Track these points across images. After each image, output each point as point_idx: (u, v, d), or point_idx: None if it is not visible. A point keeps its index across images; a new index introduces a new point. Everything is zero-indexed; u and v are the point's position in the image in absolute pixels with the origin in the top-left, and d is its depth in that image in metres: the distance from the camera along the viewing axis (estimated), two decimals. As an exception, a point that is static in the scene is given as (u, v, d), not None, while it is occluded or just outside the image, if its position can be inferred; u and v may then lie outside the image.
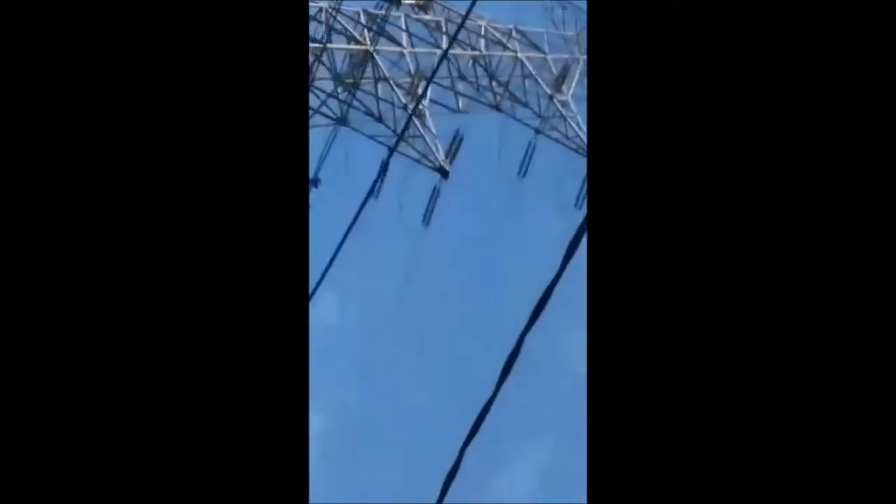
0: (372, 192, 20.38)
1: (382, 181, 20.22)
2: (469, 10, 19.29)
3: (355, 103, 19.57)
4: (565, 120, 22.03)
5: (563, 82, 22.38)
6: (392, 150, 20.17)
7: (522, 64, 22.03)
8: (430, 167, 20.25)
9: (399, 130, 19.86)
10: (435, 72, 21.38)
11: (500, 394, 4.27)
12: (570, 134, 21.98)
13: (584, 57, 23.64)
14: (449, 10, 21.36)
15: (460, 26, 20.53)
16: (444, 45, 20.97)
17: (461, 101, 21.80)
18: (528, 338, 4.23)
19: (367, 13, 19.78)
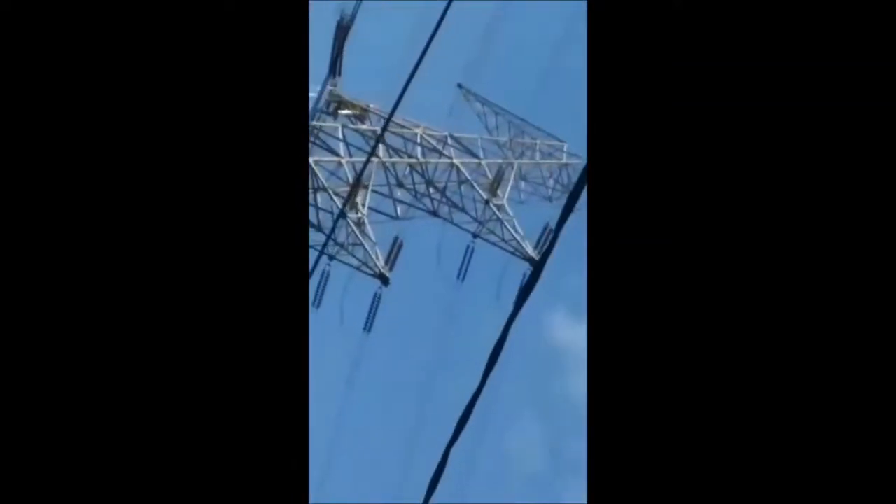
0: (314, 300, 20.36)
1: (324, 289, 20.23)
2: (393, 112, 19.49)
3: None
4: (502, 223, 22.33)
5: (497, 186, 22.75)
6: (332, 258, 20.25)
7: (458, 170, 22.38)
8: (370, 274, 20.31)
9: (338, 238, 19.95)
10: (360, 179, 21.58)
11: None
12: (507, 237, 22.27)
13: (518, 161, 24.15)
14: (385, 118, 21.71)
15: (386, 123, 20.85)
16: (381, 153, 21.26)
17: (399, 208, 22.03)
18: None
19: (304, 124, 19.99)
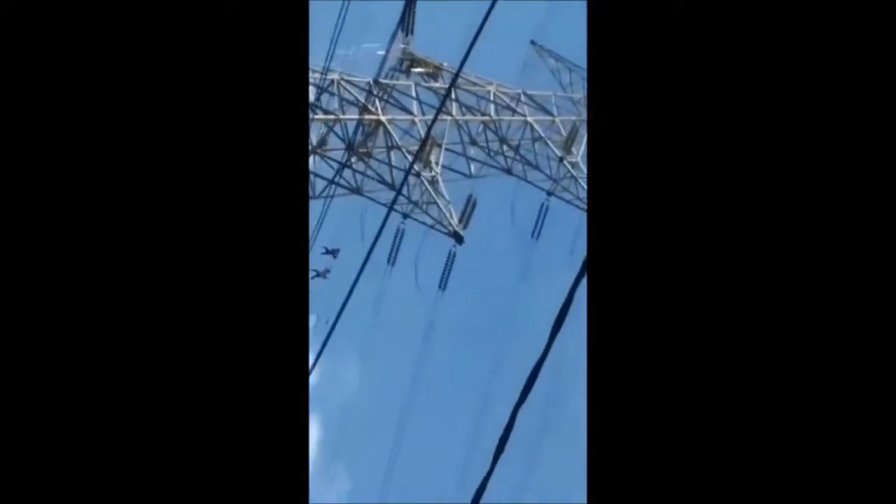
0: (389, 258, 20.51)
1: (398, 248, 20.34)
2: (460, 68, 19.37)
3: (369, 172, 19.74)
4: (576, 181, 22.17)
5: (571, 144, 22.56)
6: (406, 216, 20.32)
7: (532, 127, 22.24)
8: (444, 232, 20.35)
9: (413, 198, 20.00)
10: (432, 136, 21.57)
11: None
12: (581, 195, 22.11)
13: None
14: (457, 75, 21.62)
15: (455, 76, 20.73)
16: (454, 111, 21.20)
17: (473, 166, 21.99)
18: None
19: (377, 83, 20.03)
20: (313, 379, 7.44)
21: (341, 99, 19.35)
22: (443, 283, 21.14)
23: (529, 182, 22.47)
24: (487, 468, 4.22)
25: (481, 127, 22.04)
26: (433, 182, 20.01)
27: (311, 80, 18.52)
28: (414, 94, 20.80)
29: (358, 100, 19.54)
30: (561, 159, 22.24)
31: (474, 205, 21.00)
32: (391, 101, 20.56)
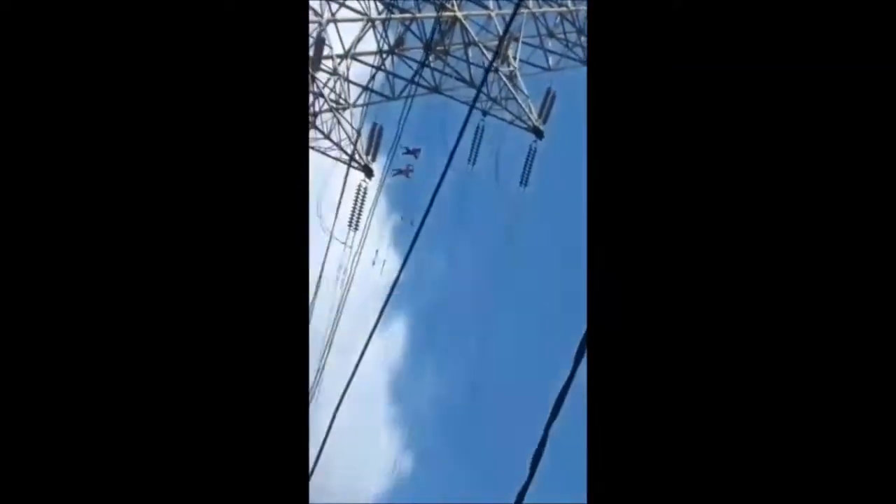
0: (469, 157, 20.60)
1: (479, 146, 20.40)
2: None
3: (447, 70, 19.72)
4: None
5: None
6: (486, 113, 20.32)
7: (610, 16, 21.78)
8: (524, 128, 20.32)
9: (491, 93, 19.95)
10: (510, 31, 21.33)
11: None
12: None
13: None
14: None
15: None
16: (531, 3, 20.92)
17: (551, 59, 21.78)
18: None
19: (452, -21, 19.83)
20: (403, 277, 7.66)
21: (417, -3, 19.25)
22: (524, 180, 21.16)
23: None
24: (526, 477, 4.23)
25: (558, 18, 21.73)
26: (511, 77, 19.92)
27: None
28: (489, -12, 20.57)
29: (433, -3, 19.41)
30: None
31: (553, 98, 20.87)
32: (466, -4, 20.36)
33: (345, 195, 18.73)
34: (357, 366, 7.67)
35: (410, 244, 7.55)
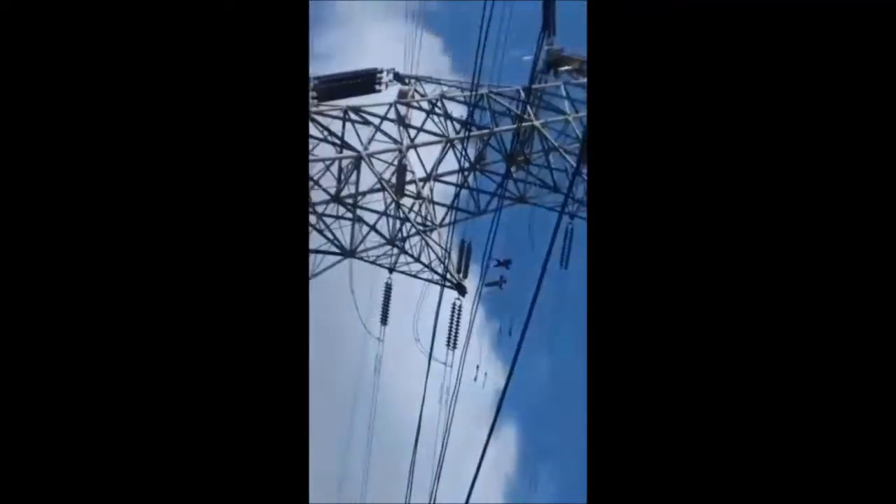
0: (561, 262, 20.59)
1: (570, 248, 20.38)
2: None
3: (530, 179, 19.87)
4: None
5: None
6: (573, 216, 20.31)
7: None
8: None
9: (577, 197, 19.96)
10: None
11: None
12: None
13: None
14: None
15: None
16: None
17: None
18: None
19: (526, 89, 20.11)
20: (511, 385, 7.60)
21: (493, 112, 19.56)
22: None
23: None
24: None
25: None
26: (595, 178, 19.90)
27: (461, 99, 18.84)
28: (564, 93, 20.76)
29: (509, 109, 19.70)
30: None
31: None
32: (541, 104, 20.60)
33: (440, 315, 18.81)
34: (473, 485, 7.64)
35: (515, 354, 7.48)
